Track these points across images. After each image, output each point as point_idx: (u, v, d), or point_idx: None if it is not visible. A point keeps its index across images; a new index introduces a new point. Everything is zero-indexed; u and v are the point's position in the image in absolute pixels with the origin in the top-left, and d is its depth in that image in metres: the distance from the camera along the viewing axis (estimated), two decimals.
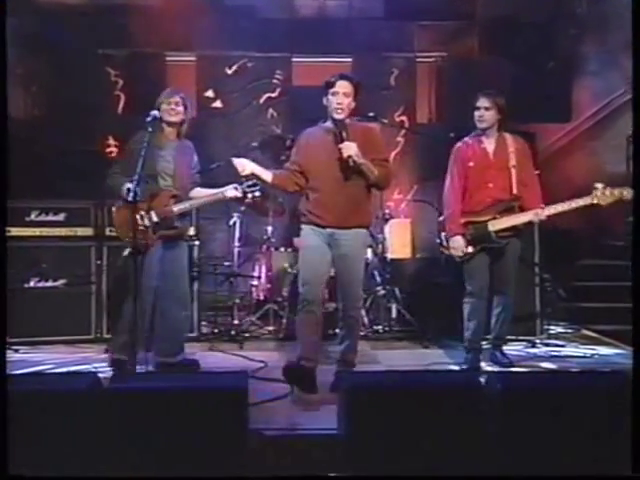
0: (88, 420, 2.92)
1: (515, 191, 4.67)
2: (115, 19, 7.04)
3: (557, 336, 5.85)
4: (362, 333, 5.44)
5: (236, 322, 5.89)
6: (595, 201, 4.45)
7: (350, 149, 4.07)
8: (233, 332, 5.74)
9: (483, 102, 4.68)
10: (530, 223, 4.70)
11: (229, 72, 7.44)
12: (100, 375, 3.30)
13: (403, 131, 7.33)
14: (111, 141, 7.07)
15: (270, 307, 5.98)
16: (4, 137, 3.81)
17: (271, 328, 5.91)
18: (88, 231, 5.62)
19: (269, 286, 6.14)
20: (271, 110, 7.47)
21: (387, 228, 6.13)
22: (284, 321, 5.72)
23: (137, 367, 4.05)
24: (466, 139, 4.83)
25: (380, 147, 4.36)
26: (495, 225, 4.65)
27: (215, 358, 5.19)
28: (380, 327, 5.82)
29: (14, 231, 5.34)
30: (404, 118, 7.49)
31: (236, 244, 6.15)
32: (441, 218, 4.87)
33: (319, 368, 4.24)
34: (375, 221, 5.99)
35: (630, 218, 4.33)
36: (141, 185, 4.14)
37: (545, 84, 7.16)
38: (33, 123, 6.99)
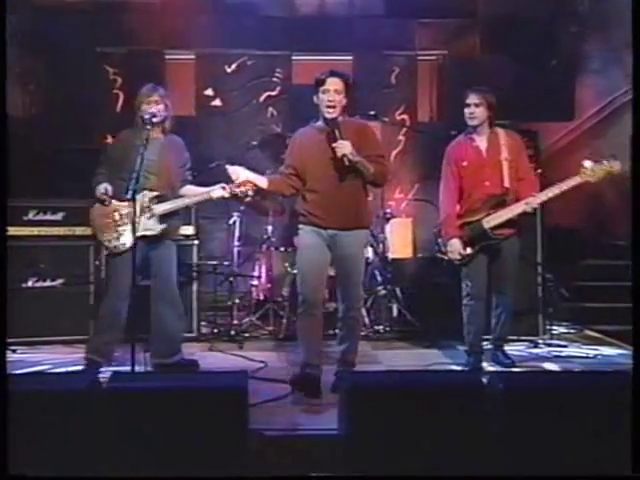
0: (88, 420, 2.91)
1: (507, 184, 4.59)
2: (113, 17, 6.99)
3: (560, 336, 5.81)
4: (363, 333, 5.42)
5: (236, 322, 5.85)
6: (585, 179, 4.42)
7: (345, 148, 4.00)
8: (233, 332, 5.71)
9: (473, 98, 4.62)
10: (525, 215, 4.58)
11: (229, 70, 7.41)
12: (100, 375, 3.28)
13: (404, 130, 7.31)
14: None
15: (270, 307, 5.94)
16: (3, 136, 3.78)
17: (271, 328, 5.87)
18: (87, 230, 5.54)
19: (269, 286, 6.11)
20: (271, 109, 7.44)
21: (388, 227, 6.10)
22: (284, 321, 5.69)
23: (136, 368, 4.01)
24: (457, 139, 4.77)
25: (374, 143, 4.28)
26: (490, 222, 4.58)
27: (215, 358, 5.16)
28: (381, 327, 5.79)
29: (12, 230, 5.27)
30: (405, 117, 7.46)
31: (236, 244, 6.12)
32: (438, 221, 4.81)
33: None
34: (376, 220, 5.97)
35: None
36: (118, 184, 4.14)
37: (547, 82, 7.12)
38: (31, 122, 6.95)
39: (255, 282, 6.16)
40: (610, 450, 2.97)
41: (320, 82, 4.10)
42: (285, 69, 7.42)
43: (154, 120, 4.45)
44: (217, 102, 7.40)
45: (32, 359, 5.04)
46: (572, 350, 5.41)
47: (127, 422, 2.95)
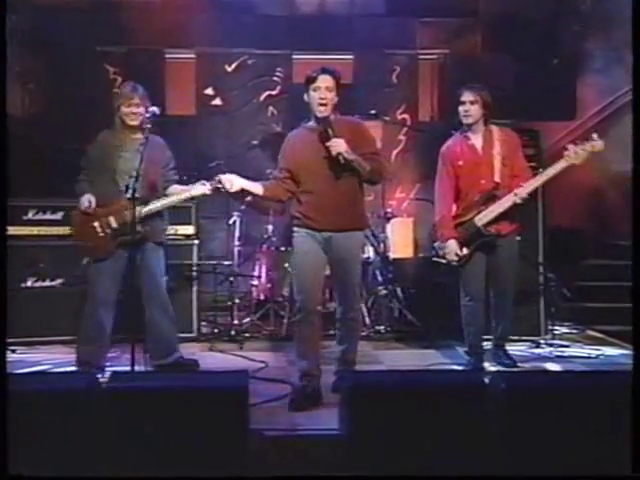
0: (88, 420, 2.90)
1: (497, 179, 4.55)
2: (113, 16, 6.99)
3: (562, 336, 5.78)
4: (364, 333, 5.41)
5: (236, 322, 5.83)
6: (570, 162, 4.40)
7: (339, 146, 3.92)
8: (233, 332, 5.69)
9: (467, 96, 4.57)
10: (515, 206, 4.50)
11: (229, 69, 7.40)
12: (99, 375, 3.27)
13: (405, 129, 7.30)
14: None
15: (270, 307, 5.92)
16: (3, 136, 3.76)
17: (271, 328, 5.85)
18: None
19: (269, 286, 6.09)
20: (271, 108, 7.43)
21: (389, 227, 6.08)
22: (284, 321, 5.67)
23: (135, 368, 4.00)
24: (452, 138, 4.73)
25: (369, 140, 4.19)
26: (482, 218, 4.55)
27: (215, 358, 5.15)
28: (382, 327, 5.77)
29: (11, 230, 5.25)
30: (406, 116, 7.45)
31: (236, 243, 6.11)
32: (433, 223, 4.78)
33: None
34: (377, 220, 5.96)
35: None
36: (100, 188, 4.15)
37: (549, 82, 7.12)
38: (31, 121, 6.94)
39: (255, 282, 6.13)
40: (610, 450, 2.97)
41: (311, 80, 4.02)
42: (286, 68, 7.40)
43: (133, 122, 4.42)
44: (217, 101, 7.39)
45: (32, 359, 5.02)
46: (574, 350, 5.39)
47: (127, 422, 2.94)
